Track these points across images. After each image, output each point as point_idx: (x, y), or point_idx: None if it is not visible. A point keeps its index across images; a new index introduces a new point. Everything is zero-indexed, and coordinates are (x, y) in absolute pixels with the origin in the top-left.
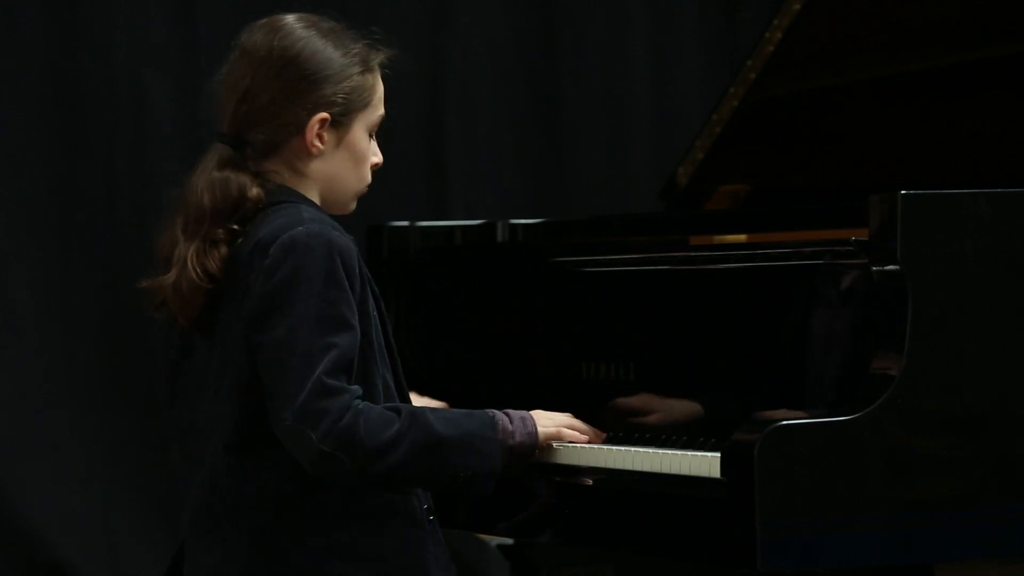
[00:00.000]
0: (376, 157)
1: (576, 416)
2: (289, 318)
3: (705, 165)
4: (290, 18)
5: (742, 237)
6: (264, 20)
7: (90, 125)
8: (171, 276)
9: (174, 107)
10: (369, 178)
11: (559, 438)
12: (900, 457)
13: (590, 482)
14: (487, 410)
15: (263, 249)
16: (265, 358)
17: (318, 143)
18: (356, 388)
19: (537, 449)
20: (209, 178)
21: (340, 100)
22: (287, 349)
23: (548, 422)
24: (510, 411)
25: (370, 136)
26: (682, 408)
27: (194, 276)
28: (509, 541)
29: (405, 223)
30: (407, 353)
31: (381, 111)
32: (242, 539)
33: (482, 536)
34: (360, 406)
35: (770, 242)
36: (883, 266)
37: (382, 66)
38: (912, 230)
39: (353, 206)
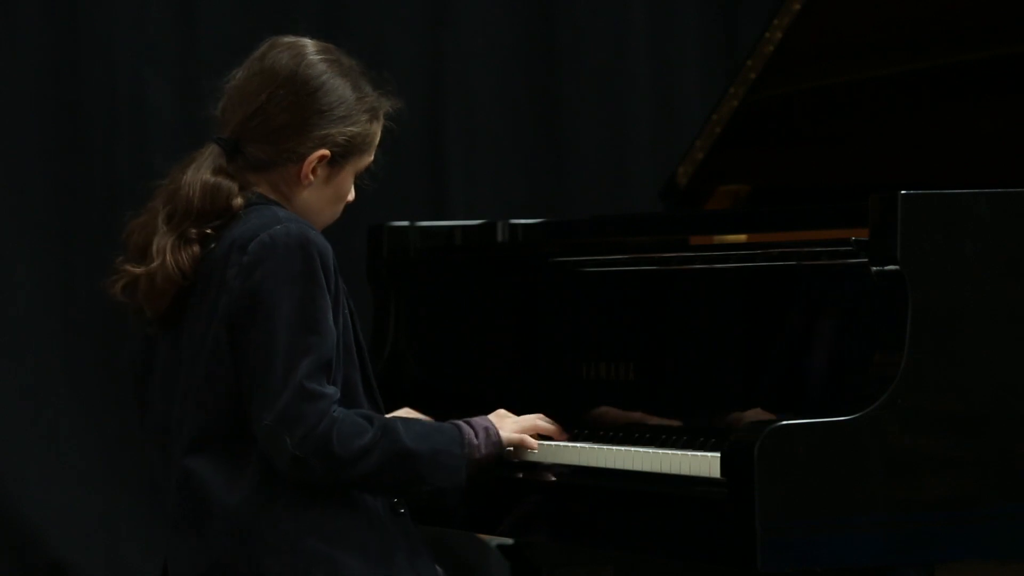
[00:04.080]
0: (350, 196)
1: (576, 416)
2: (271, 318)
3: (705, 165)
4: (313, 47)
5: (742, 237)
6: (288, 41)
7: (90, 125)
8: (150, 266)
9: (174, 107)
10: (339, 215)
11: (523, 444)
12: (900, 457)
13: (590, 482)
14: (452, 423)
15: (241, 247)
16: (246, 357)
17: (311, 176)
18: (334, 391)
19: (502, 455)
20: (203, 179)
21: (343, 141)
22: (269, 349)
23: (514, 426)
24: (473, 421)
25: (353, 179)
26: (682, 408)
27: (171, 270)
28: (509, 541)
29: (405, 223)
30: (407, 353)
31: (371, 158)
32: (219, 533)
33: (482, 536)
34: (336, 413)
35: (770, 242)
36: (883, 266)
37: (386, 116)
38: (912, 230)
39: None
